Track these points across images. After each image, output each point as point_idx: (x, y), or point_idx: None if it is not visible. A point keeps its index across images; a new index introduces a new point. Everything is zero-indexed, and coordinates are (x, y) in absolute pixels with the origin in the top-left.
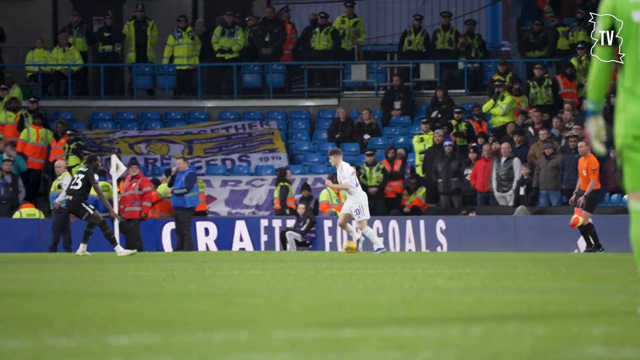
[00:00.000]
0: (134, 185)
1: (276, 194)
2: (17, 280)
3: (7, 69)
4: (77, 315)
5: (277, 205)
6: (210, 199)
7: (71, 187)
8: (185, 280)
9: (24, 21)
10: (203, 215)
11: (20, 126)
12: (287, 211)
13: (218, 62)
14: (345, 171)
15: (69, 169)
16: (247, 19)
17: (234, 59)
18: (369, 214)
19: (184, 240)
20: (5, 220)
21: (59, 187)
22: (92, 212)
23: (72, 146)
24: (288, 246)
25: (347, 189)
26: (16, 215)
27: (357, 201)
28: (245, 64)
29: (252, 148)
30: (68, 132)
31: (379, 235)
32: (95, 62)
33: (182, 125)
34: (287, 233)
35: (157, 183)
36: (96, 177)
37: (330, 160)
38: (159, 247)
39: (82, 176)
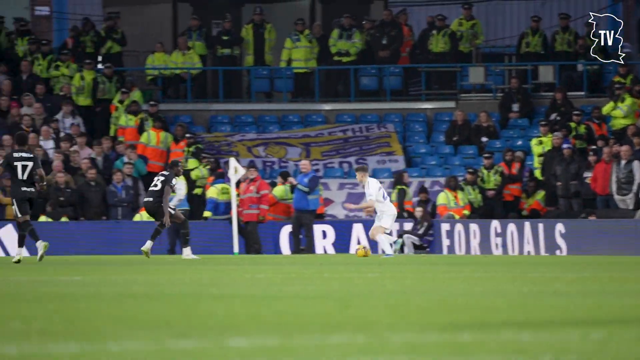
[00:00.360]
0: (251, 188)
1: (393, 197)
2: (137, 282)
3: (127, 72)
4: (196, 317)
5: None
6: (327, 201)
7: (151, 188)
8: (304, 283)
9: (145, 25)
10: (321, 218)
11: (141, 129)
12: (405, 214)
13: (335, 65)
14: (372, 187)
15: (187, 172)
16: (364, 21)
17: (351, 61)
18: (389, 225)
19: (306, 242)
20: (127, 223)
21: (173, 190)
22: (173, 212)
23: (191, 149)
24: (405, 249)
25: (371, 207)
26: (136, 217)
27: (388, 214)
28: (363, 67)
29: (369, 151)
30: (187, 135)
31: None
32: (214, 65)
33: (300, 128)
34: (405, 236)
35: (274, 186)
36: (174, 181)
37: (357, 177)
38: (277, 250)
39: (162, 179)
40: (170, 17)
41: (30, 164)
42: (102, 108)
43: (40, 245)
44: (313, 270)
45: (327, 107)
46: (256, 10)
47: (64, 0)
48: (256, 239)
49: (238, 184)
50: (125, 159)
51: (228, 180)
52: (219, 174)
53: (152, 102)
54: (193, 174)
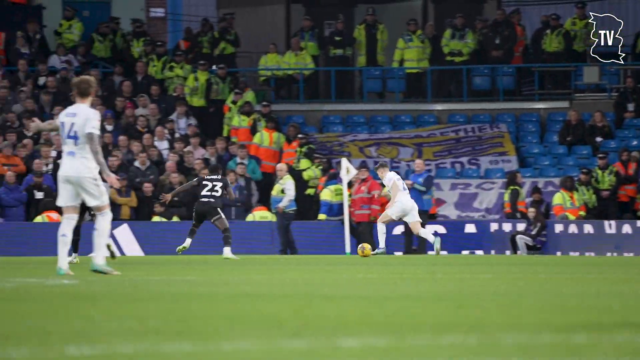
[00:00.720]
0: (362, 188)
1: (506, 197)
2: (250, 282)
3: (240, 73)
4: (307, 317)
5: (507, 208)
6: (439, 202)
7: (207, 192)
8: (416, 284)
9: (258, 26)
10: (433, 218)
11: (254, 130)
12: (518, 215)
13: (448, 65)
14: (386, 180)
15: (299, 173)
16: (476, 21)
17: (463, 61)
18: (396, 217)
19: (418, 243)
20: (240, 223)
21: (282, 191)
22: (222, 217)
23: (303, 149)
24: (518, 250)
25: (393, 196)
26: (249, 217)
27: (396, 204)
28: (475, 67)
29: (482, 151)
30: (299, 135)
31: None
32: (327, 66)
33: (412, 128)
34: (518, 237)
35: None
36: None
37: (378, 175)
38: (388, 250)
39: (221, 184)
40: (283, 18)
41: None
42: (216, 109)
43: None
44: (425, 270)
45: (439, 107)
46: (369, 11)
47: (178, 2)
48: (368, 240)
49: (350, 184)
50: (238, 160)
51: (340, 181)
52: (331, 175)
53: (264, 103)
54: (305, 175)
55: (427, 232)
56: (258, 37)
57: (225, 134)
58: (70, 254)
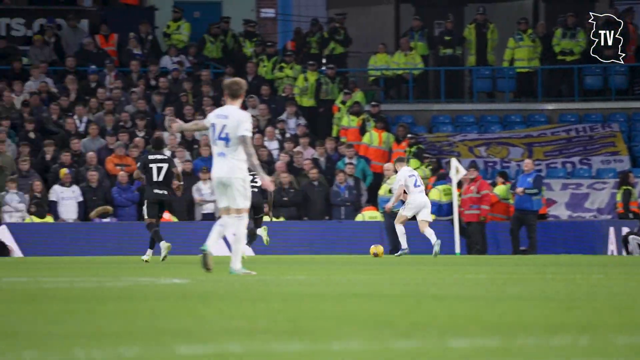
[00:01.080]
0: (472, 188)
1: (619, 197)
2: (359, 282)
3: (350, 73)
4: (417, 317)
5: (619, 209)
6: (550, 202)
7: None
8: (526, 284)
9: (367, 27)
10: (543, 218)
11: (363, 130)
12: (630, 215)
13: (559, 64)
14: (400, 175)
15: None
16: (588, 20)
17: (575, 60)
18: (410, 214)
19: (529, 243)
20: (349, 223)
21: (390, 191)
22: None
23: (412, 149)
24: (630, 250)
25: (399, 196)
26: (358, 217)
27: (411, 205)
28: (587, 66)
29: (593, 151)
30: (409, 135)
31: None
32: (436, 65)
33: (522, 128)
34: (631, 237)
35: (494, 186)
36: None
37: (395, 169)
38: (500, 250)
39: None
40: (392, 17)
41: (165, 165)
42: (325, 109)
43: (164, 246)
44: (535, 271)
45: (550, 106)
46: (479, 10)
47: (288, 3)
48: (478, 240)
49: (459, 184)
50: (347, 160)
51: (449, 181)
52: (441, 175)
53: (374, 103)
54: (424, 171)
55: (432, 233)
56: (367, 37)
57: (334, 134)
58: (153, 249)
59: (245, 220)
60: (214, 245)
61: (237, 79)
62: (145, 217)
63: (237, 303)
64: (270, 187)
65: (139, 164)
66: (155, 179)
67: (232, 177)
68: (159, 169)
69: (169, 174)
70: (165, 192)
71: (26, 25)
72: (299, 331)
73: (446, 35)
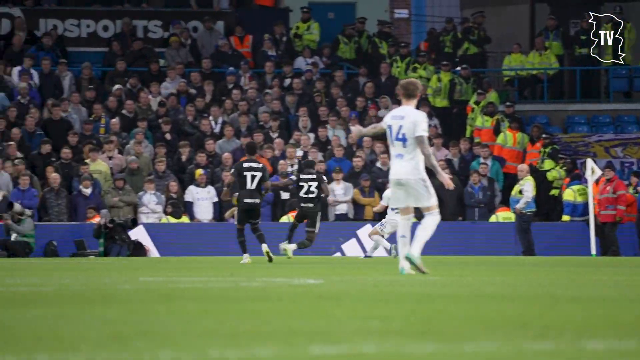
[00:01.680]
0: (608, 188)
1: None
2: (493, 283)
3: (484, 74)
4: (552, 318)
5: None
6: None
7: (304, 194)
8: None
9: (502, 26)
10: None
11: (497, 130)
12: None
13: None
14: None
15: (543, 173)
16: None
17: None
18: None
19: None
20: (482, 224)
21: (520, 192)
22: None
23: (547, 150)
24: None
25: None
26: (492, 218)
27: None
28: None
29: None
30: (543, 135)
31: None
32: (571, 65)
33: None
34: None
35: (630, 186)
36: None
37: None
38: (636, 252)
39: (315, 184)
40: (527, 17)
41: (259, 174)
42: (459, 109)
43: (247, 259)
44: None
45: None
46: (615, 9)
47: (422, 3)
48: (613, 241)
49: (595, 183)
50: (481, 160)
51: (585, 182)
52: (575, 175)
53: (508, 103)
54: (549, 175)
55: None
56: (502, 37)
57: (468, 134)
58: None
59: (436, 216)
60: (418, 250)
61: (413, 79)
62: (236, 223)
63: (370, 304)
64: (451, 186)
65: (232, 171)
66: (248, 186)
67: (410, 178)
68: (253, 177)
69: (261, 182)
70: (257, 201)
71: (163, 27)
72: (432, 332)
73: (582, 34)
